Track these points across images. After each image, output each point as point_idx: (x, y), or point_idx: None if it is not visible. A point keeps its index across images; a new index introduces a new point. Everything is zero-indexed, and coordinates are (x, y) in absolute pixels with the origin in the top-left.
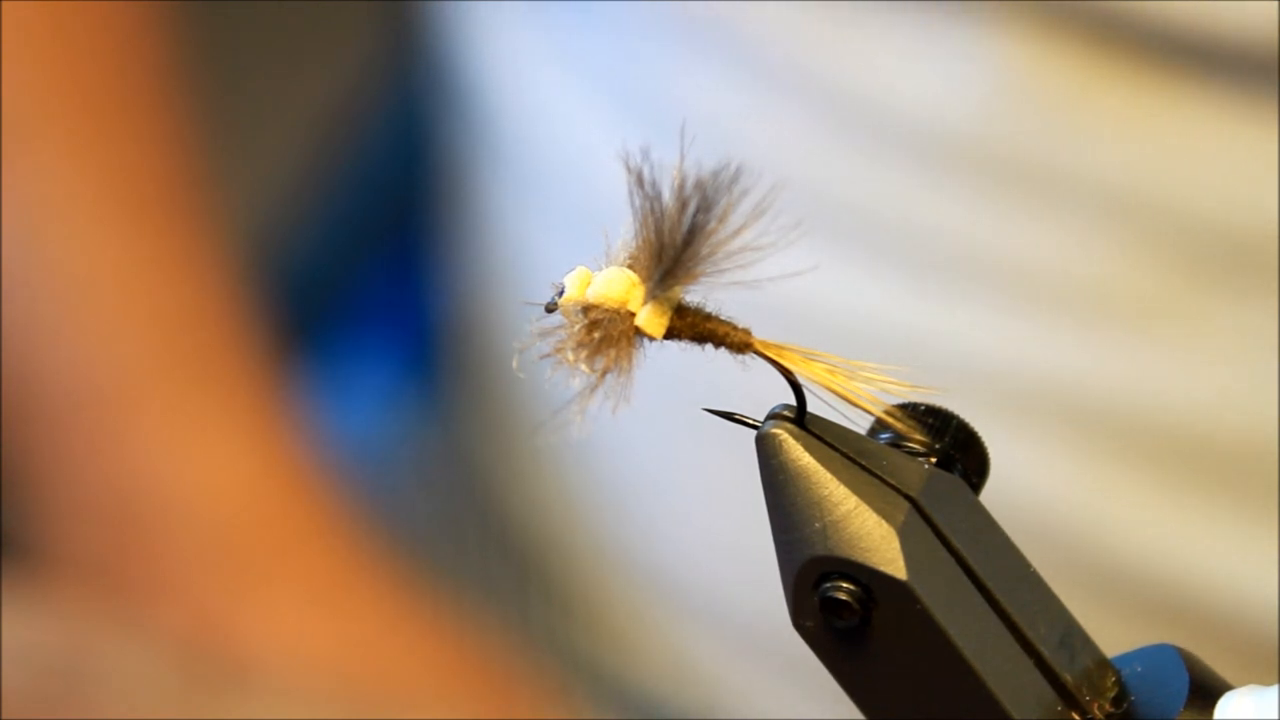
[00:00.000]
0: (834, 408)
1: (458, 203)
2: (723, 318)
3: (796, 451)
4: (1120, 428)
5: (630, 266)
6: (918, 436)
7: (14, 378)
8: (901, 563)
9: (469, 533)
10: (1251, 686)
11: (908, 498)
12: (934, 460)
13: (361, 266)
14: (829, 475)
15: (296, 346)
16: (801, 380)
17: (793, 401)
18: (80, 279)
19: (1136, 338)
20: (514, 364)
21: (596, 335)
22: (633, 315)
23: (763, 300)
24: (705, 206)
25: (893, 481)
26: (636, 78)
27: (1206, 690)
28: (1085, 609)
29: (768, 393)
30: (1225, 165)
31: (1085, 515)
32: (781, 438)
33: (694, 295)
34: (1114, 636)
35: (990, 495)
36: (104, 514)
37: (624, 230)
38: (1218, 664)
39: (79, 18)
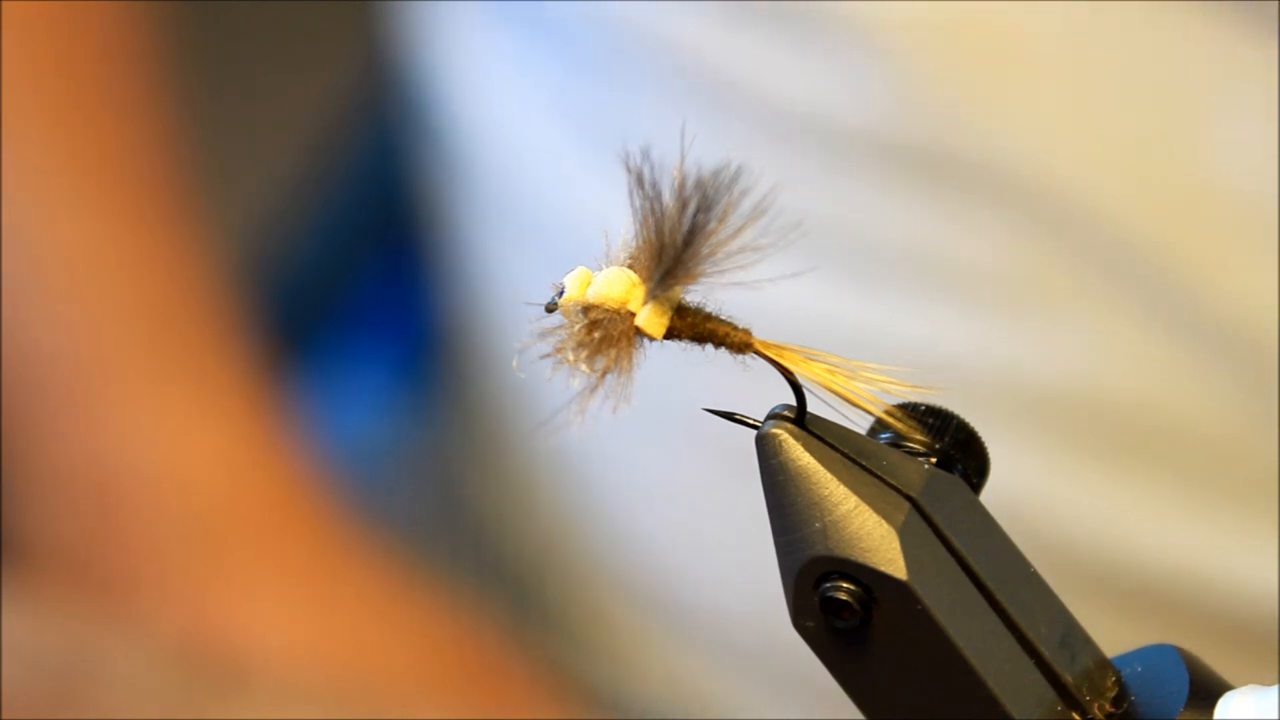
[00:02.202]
0: (834, 408)
1: (443, 213)
2: (723, 318)
3: (796, 451)
4: (1112, 424)
5: (630, 266)
6: (918, 436)
7: None
8: (902, 563)
9: (459, 538)
10: (1251, 686)
11: (908, 498)
12: (934, 460)
13: (353, 271)
14: (829, 475)
15: (289, 351)
16: (801, 380)
17: (793, 402)
18: (63, 268)
19: (1130, 335)
20: (514, 364)
21: (596, 335)
22: (633, 315)
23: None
24: (705, 206)
25: (893, 481)
26: (592, 101)
27: (1206, 690)
28: (1087, 607)
29: (768, 393)
30: (1160, 149)
31: (1081, 513)
32: (781, 438)
33: (694, 295)
34: (1115, 634)
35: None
36: (85, 504)
37: (624, 230)
38: (1218, 659)
39: (70, 16)
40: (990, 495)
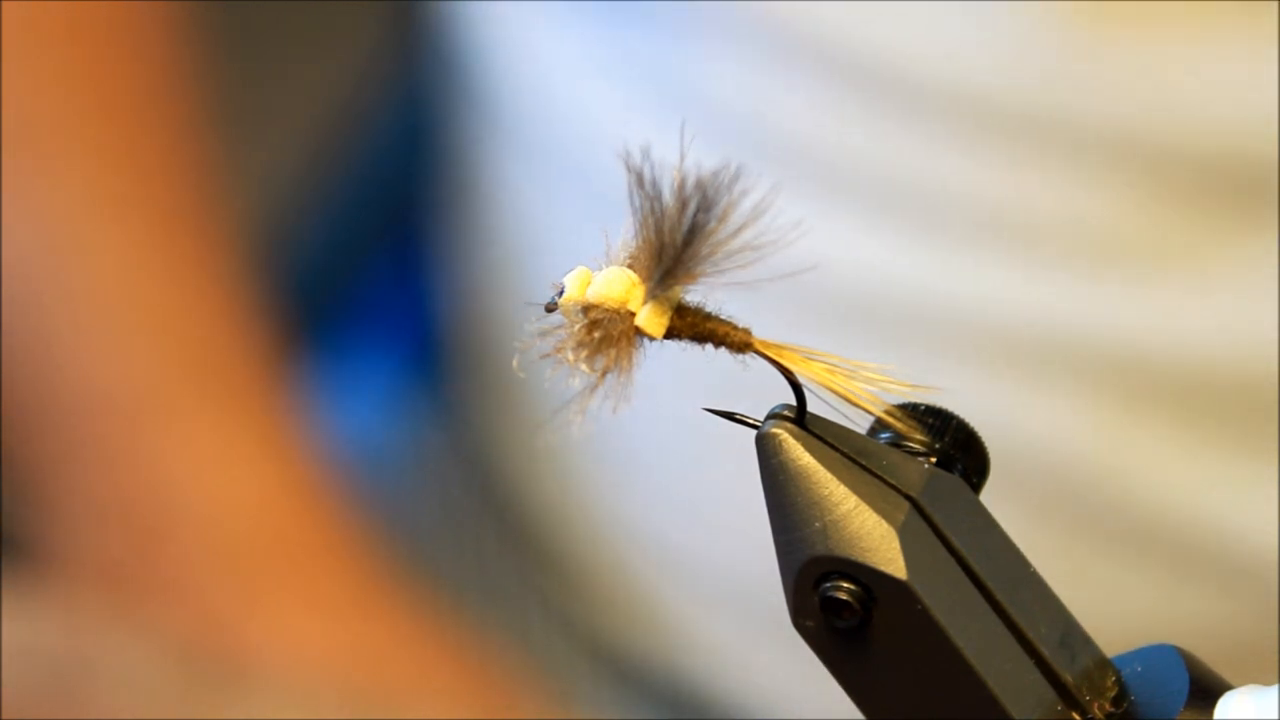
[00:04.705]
0: (834, 408)
1: (466, 192)
2: (723, 317)
3: (796, 451)
4: (1142, 373)
5: (630, 266)
6: (918, 436)
7: (30, 385)
8: (901, 562)
9: (478, 522)
10: (1251, 686)
11: (908, 497)
12: (934, 460)
13: (367, 264)
14: (829, 475)
15: (303, 346)
16: (801, 380)
17: (793, 401)
18: (96, 286)
19: (1153, 280)
20: (514, 364)
21: (596, 335)
22: (633, 315)
23: (785, 266)
24: (705, 206)
25: (893, 481)
26: (652, 55)
27: (1206, 690)
28: (1110, 556)
29: (771, 391)
30: (1226, 98)
31: (1105, 463)
32: (781, 437)
33: (694, 295)
34: (1133, 582)
35: (1009, 445)
36: (117, 520)
37: (624, 229)
38: (1227, 607)
39: (91, 22)
40: (1009, 445)
